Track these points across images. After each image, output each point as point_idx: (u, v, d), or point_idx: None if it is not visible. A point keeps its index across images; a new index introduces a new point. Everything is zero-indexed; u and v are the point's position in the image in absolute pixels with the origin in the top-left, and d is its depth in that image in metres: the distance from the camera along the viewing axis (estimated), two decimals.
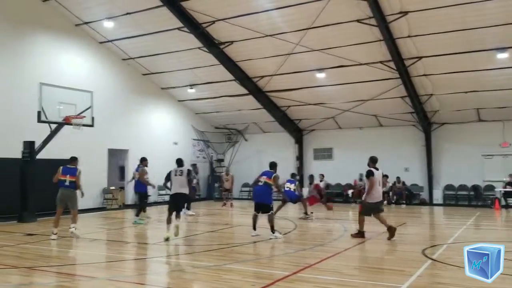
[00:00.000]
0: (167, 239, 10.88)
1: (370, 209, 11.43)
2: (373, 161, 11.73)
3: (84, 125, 15.76)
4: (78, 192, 11.81)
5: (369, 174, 11.36)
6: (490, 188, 21.63)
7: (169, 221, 11.31)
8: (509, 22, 15.50)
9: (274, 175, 11.64)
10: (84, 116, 15.66)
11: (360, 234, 11.44)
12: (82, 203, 17.89)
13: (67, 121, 15.35)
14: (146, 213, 15.65)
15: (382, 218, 11.39)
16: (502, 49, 16.83)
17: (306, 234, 12.99)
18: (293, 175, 17.11)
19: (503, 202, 20.60)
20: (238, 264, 8.22)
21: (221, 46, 19.44)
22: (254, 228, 11.65)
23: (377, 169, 11.56)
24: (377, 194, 11.45)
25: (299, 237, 12.32)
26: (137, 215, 15.10)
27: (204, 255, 9.51)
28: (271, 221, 11.40)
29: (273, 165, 11.99)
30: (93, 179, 19.30)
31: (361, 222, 11.55)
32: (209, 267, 8.09)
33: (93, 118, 16.16)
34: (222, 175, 22.47)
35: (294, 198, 15.87)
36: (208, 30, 18.65)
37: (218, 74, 21.71)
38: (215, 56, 19.95)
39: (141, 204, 15.38)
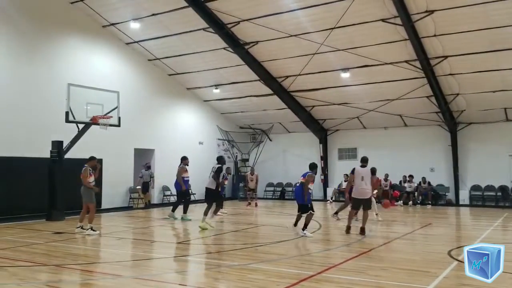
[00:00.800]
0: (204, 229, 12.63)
1: (356, 204, 12.23)
2: (361, 160, 12.41)
3: (110, 125, 15.92)
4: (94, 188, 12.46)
5: (351, 171, 12.37)
6: None
7: (205, 212, 12.99)
8: None
9: (308, 174, 11.70)
10: (111, 116, 15.84)
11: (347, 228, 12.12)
12: (109, 202, 18.42)
13: (94, 121, 15.53)
14: (173, 213, 15.79)
15: (366, 215, 12.10)
16: None
17: (331, 234, 12.99)
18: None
19: None
20: (262, 264, 8.24)
21: (246, 47, 19.51)
22: (295, 225, 11.90)
23: (364, 167, 12.14)
24: (360, 190, 12.00)
25: (324, 237, 12.31)
26: (184, 212, 15.56)
27: (229, 254, 9.57)
28: (306, 219, 11.62)
29: (311, 166, 12.06)
30: (119, 178, 19.68)
31: (350, 216, 12.41)
32: (234, 266, 8.14)
33: (119, 118, 16.32)
34: (247, 175, 22.52)
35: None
36: (233, 30, 18.72)
37: (243, 74, 21.79)
38: (240, 57, 20.03)
39: (186, 202, 15.82)
